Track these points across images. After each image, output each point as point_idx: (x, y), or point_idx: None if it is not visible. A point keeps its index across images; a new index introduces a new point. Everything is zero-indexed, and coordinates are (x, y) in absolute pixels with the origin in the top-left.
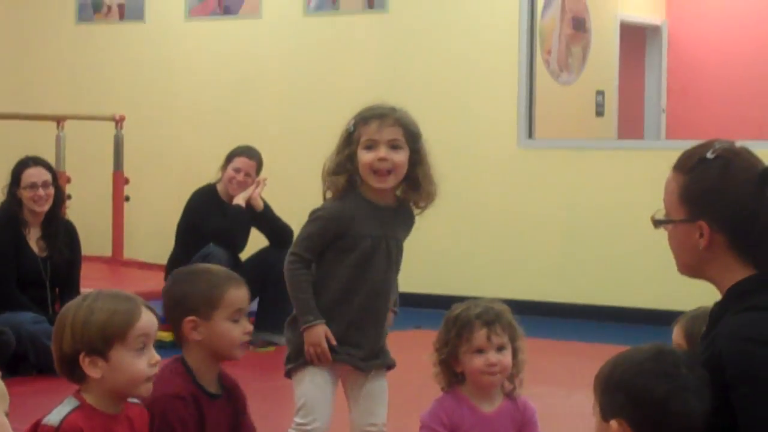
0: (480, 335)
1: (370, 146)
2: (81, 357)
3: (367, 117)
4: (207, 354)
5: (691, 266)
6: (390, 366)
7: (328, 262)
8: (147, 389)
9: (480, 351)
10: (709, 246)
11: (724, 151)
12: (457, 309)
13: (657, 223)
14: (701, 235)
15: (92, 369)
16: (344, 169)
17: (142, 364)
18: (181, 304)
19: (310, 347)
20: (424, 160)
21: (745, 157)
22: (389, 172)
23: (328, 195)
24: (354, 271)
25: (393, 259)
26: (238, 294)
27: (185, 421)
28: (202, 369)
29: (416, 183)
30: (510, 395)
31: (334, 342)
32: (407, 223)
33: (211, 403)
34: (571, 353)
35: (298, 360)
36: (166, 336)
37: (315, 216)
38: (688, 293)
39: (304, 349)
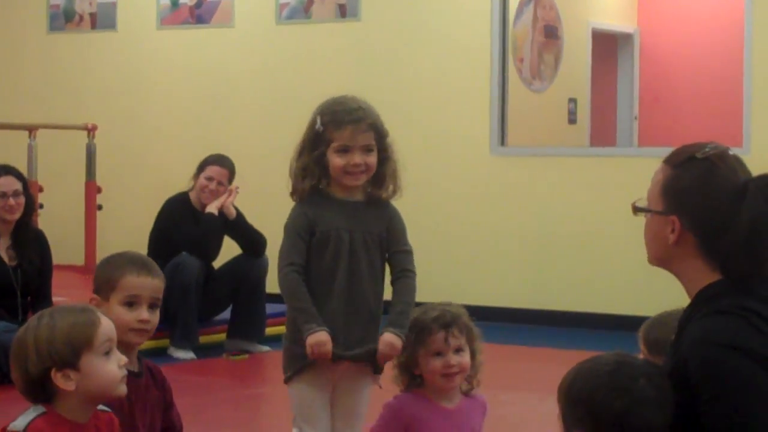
0: (438, 338)
1: (344, 150)
2: (53, 373)
3: (339, 121)
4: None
5: (660, 259)
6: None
7: (307, 263)
8: (122, 390)
9: (438, 354)
10: (677, 242)
11: (714, 155)
12: (414, 313)
13: (635, 210)
14: (672, 231)
15: (65, 382)
16: (311, 172)
17: (112, 367)
18: (94, 283)
19: (314, 347)
20: (391, 157)
21: (732, 166)
22: (363, 172)
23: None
24: (329, 267)
25: (369, 253)
26: (136, 280)
27: None
28: None
29: (382, 179)
30: (468, 394)
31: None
32: (381, 216)
33: (133, 381)
34: (544, 360)
35: (292, 369)
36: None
37: (287, 225)
38: (660, 299)
39: (297, 358)
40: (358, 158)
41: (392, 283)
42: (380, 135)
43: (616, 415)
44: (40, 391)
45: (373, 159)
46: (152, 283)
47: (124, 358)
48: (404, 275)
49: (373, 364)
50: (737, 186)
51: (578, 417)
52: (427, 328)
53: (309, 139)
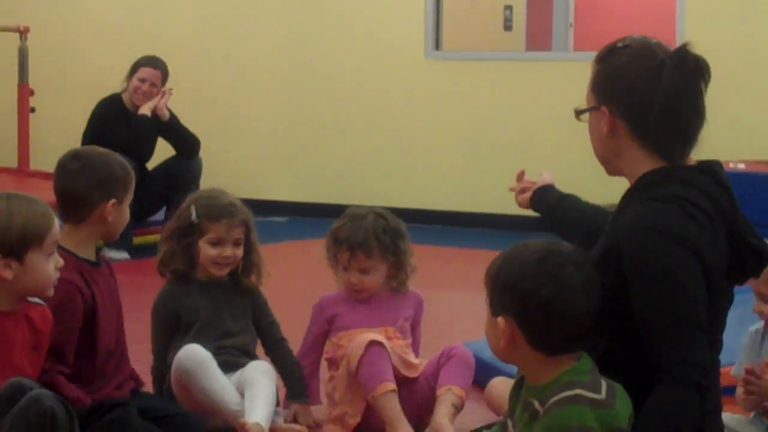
0: (343, 258)
1: (216, 243)
2: None
3: (215, 215)
4: (92, 233)
5: (605, 159)
6: None
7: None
8: (51, 292)
9: (345, 269)
10: (611, 132)
11: (634, 41)
12: (337, 223)
13: (577, 114)
14: (605, 122)
15: (5, 271)
16: (181, 260)
17: (51, 268)
18: (103, 186)
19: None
20: (257, 248)
21: (653, 48)
22: (230, 264)
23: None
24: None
25: (237, 322)
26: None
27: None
28: (82, 246)
29: (250, 268)
30: (398, 290)
31: None
32: (246, 297)
33: (95, 270)
34: (477, 260)
35: None
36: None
37: (153, 314)
38: (594, 201)
39: None
40: (229, 251)
41: (271, 350)
42: (248, 230)
43: (543, 302)
44: None
45: (240, 252)
46: None
47: (61, 261)
48: (281, 343)
49: None
50: (656, 64)
51: (505, 303)
52: (338, 245)
53: (181, 226)
